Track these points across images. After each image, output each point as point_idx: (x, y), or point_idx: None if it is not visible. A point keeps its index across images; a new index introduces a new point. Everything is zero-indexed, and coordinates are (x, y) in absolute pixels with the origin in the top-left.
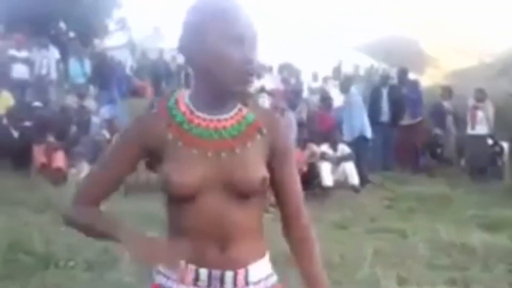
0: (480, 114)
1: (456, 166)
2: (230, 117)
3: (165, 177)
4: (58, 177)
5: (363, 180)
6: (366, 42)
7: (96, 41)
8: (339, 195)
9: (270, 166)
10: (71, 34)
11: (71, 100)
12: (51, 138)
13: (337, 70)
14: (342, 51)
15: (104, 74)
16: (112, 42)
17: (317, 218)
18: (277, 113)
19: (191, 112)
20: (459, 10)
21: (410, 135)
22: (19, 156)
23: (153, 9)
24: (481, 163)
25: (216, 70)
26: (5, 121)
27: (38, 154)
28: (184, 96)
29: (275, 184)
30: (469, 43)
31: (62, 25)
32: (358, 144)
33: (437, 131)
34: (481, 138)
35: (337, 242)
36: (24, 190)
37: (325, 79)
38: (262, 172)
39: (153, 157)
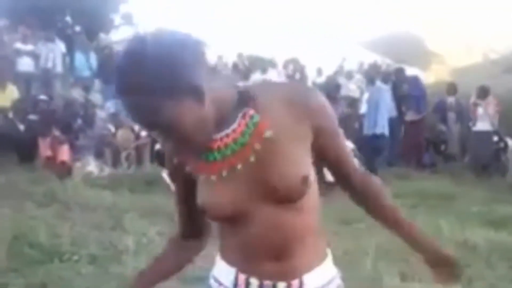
0: (480, 110)
1: (459, 162)
2: (232, 130)
3: (201, 208)
4: (63, 171)
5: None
6: (371, 39)
7: (102, 35)
8: (342, 191)
9: (316, 143)
10: (77, 28)
11: (77, 94)
12: (56, 132)
13: (341, 66)
14: (347, 47)
15: (111, 68)
16: (118, 37)
17: (320, 214)
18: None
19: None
20: (464, 7)
21: (413, 131)
22: (24, 150)
23: (159, 4)
24: (484, 159)
25: None
26: (10, 114)
27: (44, 147)
28: None
29: (328, 158)
30: (474, 39)
31: (68, 18)
32: (378, 141)
33: (441, 127)
34: (485, 134)
35: (340, 238)
36: (29, 183)
37: (349, 74)
38: (300, 168)
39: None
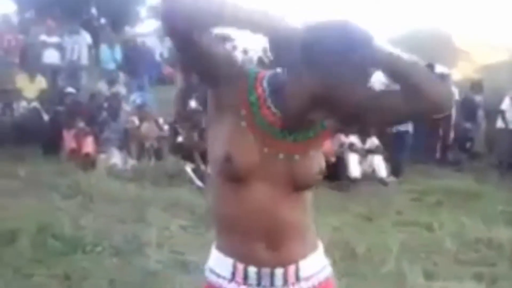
0: None
1: (485, 160)
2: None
3: (223, 153)
4: (87, 163)
5: (396, 173)
6: (398, 36)
7: (127, 28)
8: (366, 187)
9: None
10: (103, 20)
11: (102, 86)
12: (81, 124)
13: None
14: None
15: (135, 61)
16: (143, 29)
17: (344, 209)
18: None
19: (265, 100)
20: (491, 3)
21: (439, 128)
22: (49, 141)
23: None
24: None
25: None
26: (37, 105)
27: (68, 139)
28: (263, 76)
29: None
30: (501, 37)
31: (94, 11)
32: (402, 138)
33: (467, 125)
34: None
35: (363, 234)
36: (54, 175)
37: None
38: (320, 164)
39: (217, 99)
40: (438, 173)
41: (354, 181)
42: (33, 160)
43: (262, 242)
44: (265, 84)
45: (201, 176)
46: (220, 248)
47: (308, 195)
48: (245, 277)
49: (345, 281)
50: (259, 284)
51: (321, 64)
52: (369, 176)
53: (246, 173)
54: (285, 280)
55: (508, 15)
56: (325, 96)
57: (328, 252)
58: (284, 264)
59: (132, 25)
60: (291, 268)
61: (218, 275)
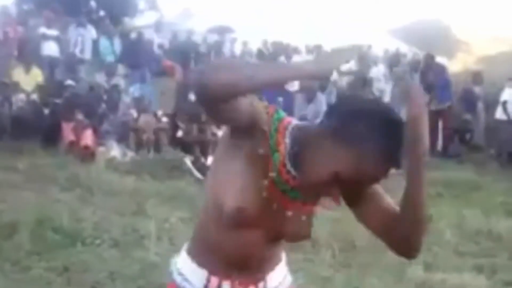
0: None
1: (485, 152)
2: None
3: (234, 203)
4: (86, 155)
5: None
6: (397, 26)
7: (126, 20)
8: None
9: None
10: (102, 13)
11: (101, 79)
12: (80, 116)
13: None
14: (372, 34)
15: (136, 53)
16: (142, 22)
17: (342, 202)
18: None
19: (284, 162)
20: None
21: (438, 120)
22: (48, 134)
23: None
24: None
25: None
26: (35, 97)
27: (67, 131)
28: (288, 126)
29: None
30: (501, 28)
31: (93, 3)
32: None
33: (467, 116)
34: None
35: (363, 227)
36: (53, 167)
37: (374, 62)
38: (310, 230)
39: (240, 139)
40: (438, 165)
41: None
42: (32, 153)
43: (238, 268)
44: (287, 140)
45: (200, 168)
46: (193, 257)
47: None
48: None
49: (345, 273)
50: None
51: (355, 147)
52: None
53: (249, 223)
54: None
55: (508, 6)
56: (347, 180)
57: (328, 243)
58: (256, 282)
59: (131, 17)
60: (261, 285)
61: (191, 284)
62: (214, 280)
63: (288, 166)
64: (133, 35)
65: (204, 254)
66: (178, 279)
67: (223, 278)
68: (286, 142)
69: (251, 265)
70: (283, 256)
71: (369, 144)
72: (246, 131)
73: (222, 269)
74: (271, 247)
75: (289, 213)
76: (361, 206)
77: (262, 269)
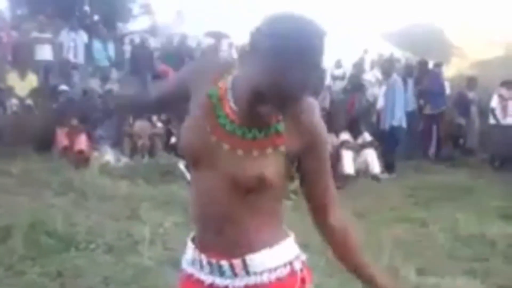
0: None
1: (478, 156)
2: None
3: (182, 140)
4: (80, 160)
5: (390, 168)
6: (391, 31)
7: (120, 25)
8: (360, 183)
9: (300, 159)
10: (96, 17)
11: (95, 84)
12: (74, 121)
13: (361, 58)
14: (366, 39)
15: (137, 58)
16: (136, 26)
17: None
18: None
19: (226, 96)
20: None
21: (432, 124)
22: (42, 138)
23: None
24: (507, 153)
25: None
26: (29, 102)
27: (61, 136)
28: (227, 83)
29: (304, 175)
30: (495, 33)
31: (87, 8)
32: (395, 133)
33: (461, 121)
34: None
35: (356, 231)
36: (46, 172)
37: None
38: (260, 170)
39: (185, 102)
40: (432, 169)
41: (348, 177)
42: (26, 158)
43: (209, 227)
44: (229, 85)
45: None
46: (191, 239)
47: (272, 197)
48: (201, 264)
49: (339, 277)
50: (211, 272)
51: (269, 60)
52: (363, 173)
53: (194, 159)
54: (234, 273)
55: (501, 11)
56: (268, 93)
57: (322, 248)
58: (230, 257)
59: (125, 22)
60: (236, 263)
61: (187, 261)
62: (197, 254)
63: (231, 103)
64: (136, 40)
65: (193, 228)
66: (184, 264)
67: (202, 251)
68: (227, 85)
69: (224, 227)
70: (284, 242)
71: (281, 57)
72: (189, 95)
73: (200, 238)
74: (237, 208)
75: (225, 147)
76: (303, 186)
77: (238, 242)
